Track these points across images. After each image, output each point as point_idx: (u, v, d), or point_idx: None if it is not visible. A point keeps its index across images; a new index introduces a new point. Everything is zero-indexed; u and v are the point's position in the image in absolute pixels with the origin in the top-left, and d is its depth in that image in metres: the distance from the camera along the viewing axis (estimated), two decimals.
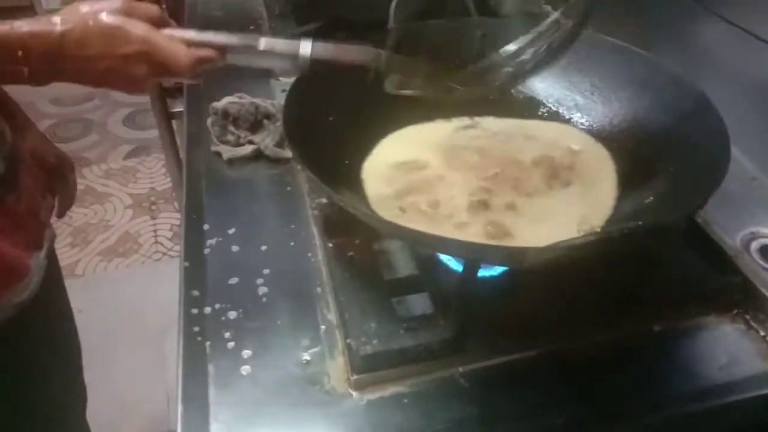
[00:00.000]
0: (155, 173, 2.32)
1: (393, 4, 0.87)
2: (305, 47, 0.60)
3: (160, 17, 0.58)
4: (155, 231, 2.07)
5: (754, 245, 0.68)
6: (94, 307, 1.81)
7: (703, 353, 0.57)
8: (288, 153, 0.82)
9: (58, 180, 0.88)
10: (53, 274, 0.89)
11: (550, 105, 0.79)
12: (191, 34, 0.59)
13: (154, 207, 2.16)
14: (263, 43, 0.60)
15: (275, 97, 0.93)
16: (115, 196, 2.21)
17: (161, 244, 2.02)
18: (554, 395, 0.54)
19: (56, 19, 0.54)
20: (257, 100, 0.86)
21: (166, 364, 1.62)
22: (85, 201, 2.18)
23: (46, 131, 2.42)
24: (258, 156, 0.82)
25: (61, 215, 0.90)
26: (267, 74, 1.02)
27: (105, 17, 0.55)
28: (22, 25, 0.54)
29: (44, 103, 2.71)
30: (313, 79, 0.70)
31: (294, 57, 0.60)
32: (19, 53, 0.53)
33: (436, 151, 0.74)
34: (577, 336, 0.58)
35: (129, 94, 0.64)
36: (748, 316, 0.60)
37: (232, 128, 0.83)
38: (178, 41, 0.57)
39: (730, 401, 0.53)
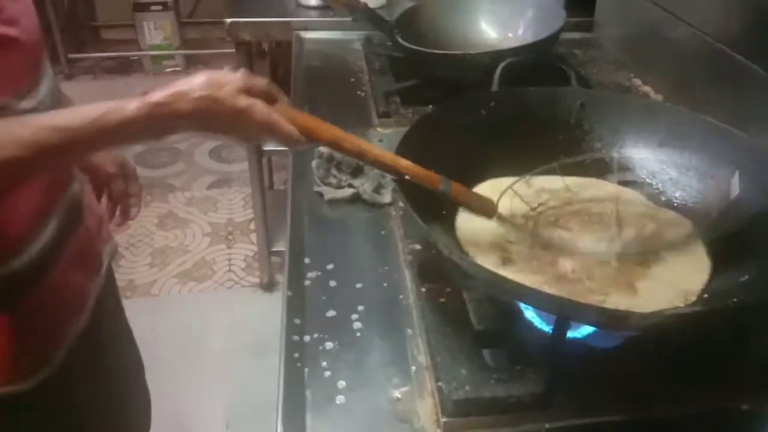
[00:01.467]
0: (234, 205, 2.42)
1: (499, 69, 0.92)
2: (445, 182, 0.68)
3: (273, 92, 0.64)
4: (230, 260, 2.15)
5: None
6: (165, 327, 1.90)
7: None
8: (384, 198, 0.87)
9: (118, 187, 0.92)
10: (110, 291, 0.94)
11: (644, 177, 0.80)
12: (307, 121, 0.65)
13: (230, 237, 2.26)
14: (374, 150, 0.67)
15: (373, 143, 0.99)
16: (195, 223, 2.32)
17: (234, 272, 2.10)
18: None
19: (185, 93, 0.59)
20: None
21: (229, 388, 1.67)
22: (167, 225, 2.30)
23: (136, 157, 2.58)
24: (356, 199, 0.87)
25: (121, 223, 0.94)
26: (367, 123, 1.08)
27: (230, 101, 0.59)
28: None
29: None
30: (422, 131, 0.76)
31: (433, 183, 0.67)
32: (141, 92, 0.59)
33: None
34: (665, 405, 0.58)
35: (245, 137, 0.70)
36: None
37: (334, 171, 0.89)
38: (290, 122, 0.62)
39: None
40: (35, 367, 0.74)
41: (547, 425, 0.56)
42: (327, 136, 0.66)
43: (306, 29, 1.45)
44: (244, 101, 0.59)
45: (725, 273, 0.67)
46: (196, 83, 0.59)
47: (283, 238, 2.09)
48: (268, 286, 2.03)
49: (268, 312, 1.79)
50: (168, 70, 3.41)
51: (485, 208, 0.71)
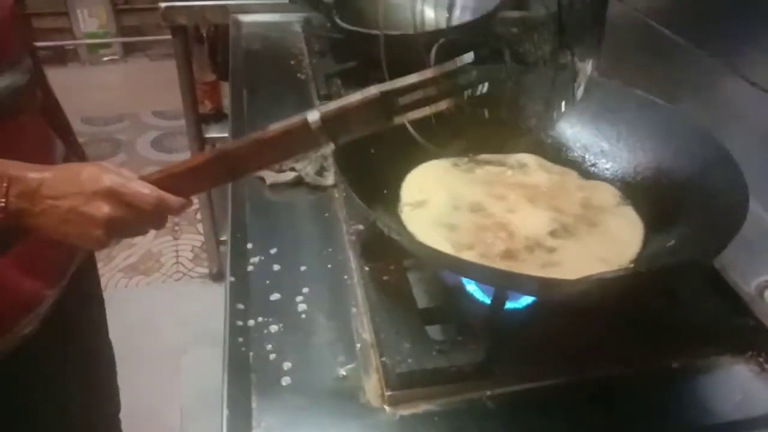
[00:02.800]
0: None
1: (434, 49, 0.92)
2: (313, 115, 0.56)
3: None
4: (177, 251, 2.12)
5: None
6: (114, 322, 1.85)
7: (718, 391, 0.60)
8: (326, 181, 0.87)
9: None
10: (83, 289, 0.92)
11: (576, 150, 0.83)
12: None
13: (176, 228, 2.21)
14: (271, 127, 0.57)
15: None
16: None
17: (182, 264, 2.07)
18: (575, 422, 0.57)
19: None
20: None
21: (181, 380, 1.65)
22: None
23: None
24: (298, 183, 0.87)
25: None
26: (308, 105, 1.08)
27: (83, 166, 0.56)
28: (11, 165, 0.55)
29: (76, 121, 2.79)
30: None
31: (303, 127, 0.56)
32: (4, 185, 0.54)
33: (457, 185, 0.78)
34: (600, 367, 0.61)
35: (83, 245, 0.59)
36: (761, 359, 0.63)
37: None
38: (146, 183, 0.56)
39: None
40: None
41: (488, 392, 0.58)
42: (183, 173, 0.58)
43: (243, 12, 1.43)
44: (106, 211, 0.54)
45: (655, 238, 0.70)
46: (62, 190, 0.54)
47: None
48: (218, 276, 2.01)
49: (219, 302, 1.77)
50: (105, 59, 3.30)
51: (375, 115, 0.58)
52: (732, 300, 0.67)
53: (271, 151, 0.58)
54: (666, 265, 0.60)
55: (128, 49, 3.35)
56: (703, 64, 0.94)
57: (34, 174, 0.55)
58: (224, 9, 1.43)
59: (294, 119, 0.56)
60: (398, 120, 0.58)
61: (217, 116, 1.76)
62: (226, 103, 1.83)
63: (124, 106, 2.94)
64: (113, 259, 2.06)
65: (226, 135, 1.77)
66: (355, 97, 0.56)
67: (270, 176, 0.86)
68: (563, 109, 0.84)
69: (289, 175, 0.86)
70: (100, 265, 1.99)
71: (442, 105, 0.58)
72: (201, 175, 0.58)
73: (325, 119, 0.56)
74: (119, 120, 2.85)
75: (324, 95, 1.09)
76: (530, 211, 0.74)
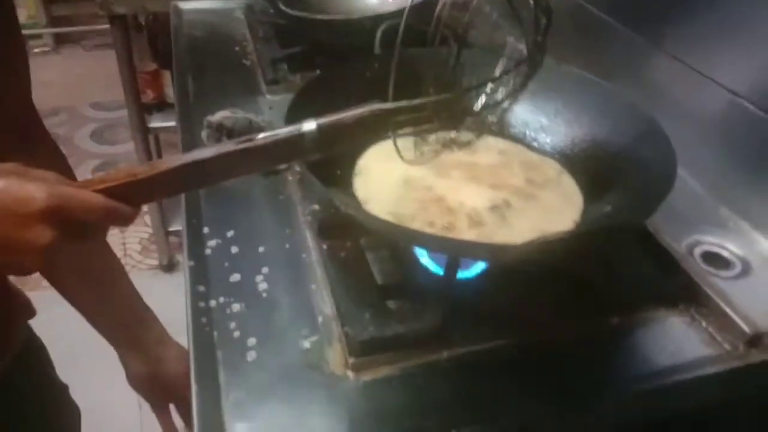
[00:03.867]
0: None
1: (379, 32, 0.95)
2: (309, 125, 0.54)
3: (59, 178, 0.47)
4: (124, 244, 2.08)
5: (697, 251, 0.78)
6: (63, 319, 1.81)
7: (655, 342, 0.66)
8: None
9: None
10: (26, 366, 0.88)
11: (518, 126, 0.87)
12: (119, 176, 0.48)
13: None
14: (260, 136, 0.53)
15: (263, 113, 1.00)
16: None
17: (131, 256, 2.04)
18: (526, 379, 0.61)
19: None
20: (250, 115, 0.92)
21: None
22: None
23: None
24: None
25: None
26: (255, 91, 1.08)
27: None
28: None
29: None
30: (309, 97, 0.78)
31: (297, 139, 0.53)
32: None
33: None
34: (546, 327, 0.65)
35: (19, 274, 0.47)
36: (692, 310, 0.69)
37: (226, 140, 0.89)
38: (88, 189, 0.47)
39: (678, 380, 0.61)
40: None
41: (445, 354, 0.61)
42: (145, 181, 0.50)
43: (186, 4, 1.41)
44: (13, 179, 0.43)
45: (593, 207, 0.75)
46: None
47: (179, 217, 2.05)
48: (168, 267, 1.99)
49: (171, 293, 1.75)
50: (36, 50, 3.18)
51: (371, 129, 0.59)
52: (665, 259, 0.73)
53: (255, 161, 0.53)
54: (603, 225, 0.65)
55: (60, 41, 3.24)
56: (633, 42, 1.00)
57: None
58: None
59: (286, 130, 0.53)
60: (389, 136, 0.59)
61: (161, 105, 1.74)
62: (169, 91, 1.81)
63: (59, 99, 2.85)
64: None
65: (170, 124, 1.76)
66: (353, 112, 0.55)
67: None
68: (512, 95, 0.88)
69: None
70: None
71: (435, 128, 0.60)
72: (166, 183, 0.50)
73: (321, 131, 0.53)
74: (55, 114, 2.77)
75: (271, 80, 1.10)
76: (473, 188, 0.77)
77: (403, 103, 0.58)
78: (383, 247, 0.72)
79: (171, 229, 1.93)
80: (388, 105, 0.57)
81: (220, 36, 1.30)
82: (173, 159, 0.50)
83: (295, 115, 0.70)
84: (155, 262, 1.98)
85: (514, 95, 0.71)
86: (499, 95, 0.78)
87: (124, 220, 0.49)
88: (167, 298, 1.79)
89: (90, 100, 2.80)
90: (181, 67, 1.17)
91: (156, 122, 1.71)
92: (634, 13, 1.02)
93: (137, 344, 0.85)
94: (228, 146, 0.52)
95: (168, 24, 1.39)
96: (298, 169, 0.87)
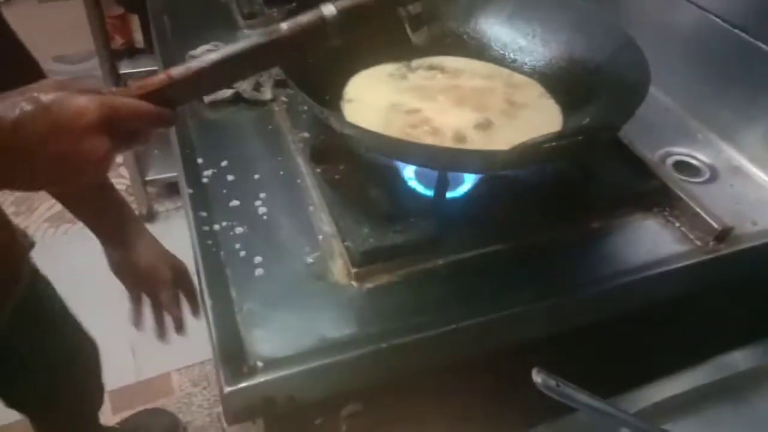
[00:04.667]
0: None
1: None
2: (329, 8, 0.54)
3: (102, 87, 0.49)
4: None
5: (669, 160, 0.83)
6: (47, 272, 1.82)
7: (633, 241, 0.71)
8: (265, 95, 0.90)
9: (170, 295, 0.90)
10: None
11: (497, 48, 0.89)
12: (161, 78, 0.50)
13: None
14: (283, 25, 0.53)
15: None
16: None
17: None
18: (516, 278, 0.66)
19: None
20: None
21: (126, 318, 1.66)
22: None
23: None
24: (237, 99, 0.89)
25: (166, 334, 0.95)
26: (232, 26, 1.08)
27: (45, 96, 0.43)
28: None
29: None
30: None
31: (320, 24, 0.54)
32: None
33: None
34: (533, 233, 0.70)
35: (90, 180, 0.46)
36: (666, 212, 0.74)
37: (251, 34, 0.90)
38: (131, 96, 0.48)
39: (655, 273, 0.67)
40: None
41: (440, 261, 0.66)
42: (185, 80, 0.51)
43: None
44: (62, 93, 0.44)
45: (573, 120, 0.79)
46: (43, 126, 0.42)
47: (156, 166, 2.04)
48: (148, 217, 1.99)
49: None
50: None
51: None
52: (639, 167, 0.77)
53: (282, 52, 0.54)
54: (582, 128, 0.69)
55: None
56: None
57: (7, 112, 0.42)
58: None
59: (307, 15, 0.53)
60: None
61: (130, 51, 1.71)
62: (138, 36, 1.78)
63: None
64: (35, 210, 2.00)
65: (141, 70, 1.73)
66: None
67: (207, 97, 0.88)
68: None
69: (227, 92, 0.88)
70: (21, 218, 1.95)
71: None
72: (201, 81, 0.51)
73: (342, 14, 0.54)
74: None
75: (248, 14, 1.09)
76: (457, 110, 0.80)
77: None
78: (374, 170, 0.75)
79: (148, 178, 1.93)
80: None
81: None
82: (205, 58, 0.51)
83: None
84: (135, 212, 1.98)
85: None
86: None
87: (168, 123, 0.50)
88: None
89: (52, 53, 2.71)
90: (154, 7, 1.16)
91: (126, 68, 1.68)
92: None
93: (120, 237, 0.88)
94: (258, 39, 0.52)
95: None
96: (285, 99, 0.89)
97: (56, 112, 0.42)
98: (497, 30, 0.90)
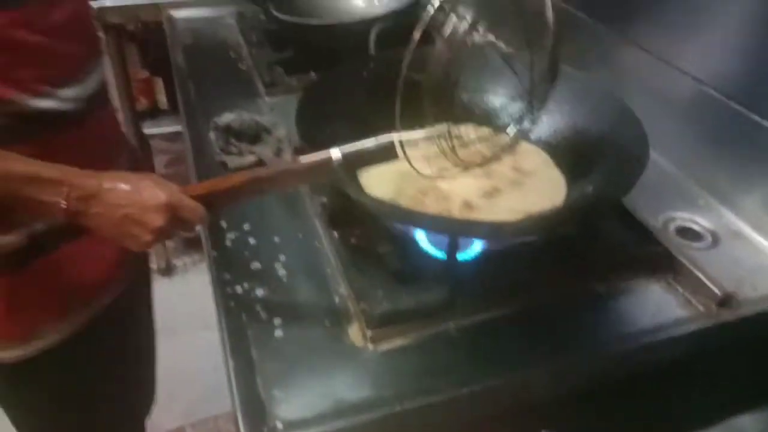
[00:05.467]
0: None
1: (372, 35, 1.01)
2: (336, 153, 0.68)
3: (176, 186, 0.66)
4: None
5: (672, 225, 0.86)
6: None
7: (638, 305, 0.73)
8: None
9: None
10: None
11: (504, 117, 0.94)
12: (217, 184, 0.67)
13: None
14: (300, 159, 0.68)
15: (265, 114, 1.06)
16: None
17: None
18: (524, 340, 0.68)
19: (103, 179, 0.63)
20: (255, 117, 0.98)
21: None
22: None
23: None
24: (259, 164, 0.94)
25: None
26: (254, 94, 1.15)
27: (140, 177, 0.64)
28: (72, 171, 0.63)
29: None
30: (312, 100, 0.84)
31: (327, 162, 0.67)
32: (65, 190, 0.61)
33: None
34: (540, 296, 0.73)
35: (128, 245, 0.65)
36: (669, 278, 0.77)
37: (234, 140, 0.95)
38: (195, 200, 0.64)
39: (659, 338, 0.69)
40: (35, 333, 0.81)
41: (452, 324, 0.69)
42: (225, 190, 0.68)
43: (177, 8, 1.46)
44: (159, 223, 0.62)
45: (576, 189, 0.82)
46: (120, 199, 0.62)
47: None
48: (167, 271, 2.04)
49: (172, 296, 1.81)
50: None
51: (386, 153, 0.72)
52: (643, 232, 0.81)
53: (296, 178, 0.71)
54: (586, 202, 0.73)
55: None
56: (604, 35, 1.09)
57: (93, 181, 0.62)
58: (156, 6, 1.46)
59: (318, 156, 0.67)
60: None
61: (154, 112, 1.78)
62: (161, 98, 1.86)
63: None
64: None
65: (163, 130, 1.81)
66: (371, 142, 0.69)
67: (232, 160, 0.93)
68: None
69: (250, 158, 0.94)
70: None
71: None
72: (236, 193, 0.67)
73: (345, 158, 0.67)
74: None
75: (269, 82, 1.16)
76: (465, 177, 0.84)
77: (417, 133, 0.74)
78: (388, 233, 0.78)
79: None
80: (403, 136, 0.71)
81: (214, 42, 1.36)
82: (239, 174, 0.67)
83: (303, 120, 0.77)
84: (153, 267, 2.02)
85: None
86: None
87: (205, 223, 0.67)
88: (168, 301, 1.85)
89: None
90: (180, 73, 1.23)
91: (150, 128, 1.75)
92: (603, 9, 1.10)
93: None
94: (280, 165, 0.69)
95: (158, 32, 1.44)
96: None
97: (141, 189, 0.63)
98: (504, 101, 0.95)
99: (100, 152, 0.84)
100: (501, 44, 0.81)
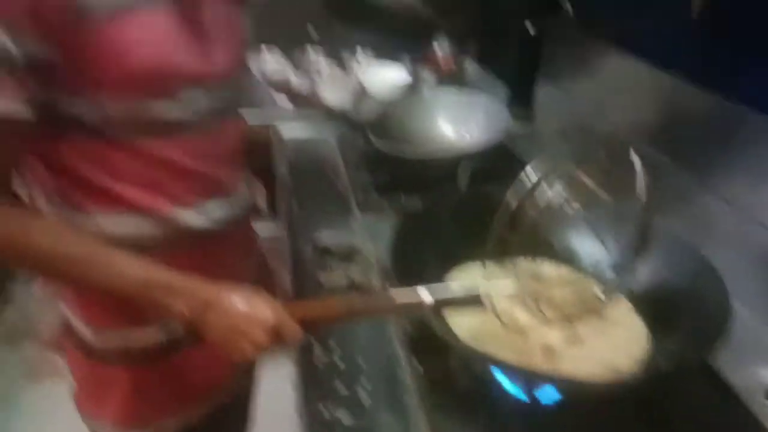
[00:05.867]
0: None
1: (463, 172, 1.09)
2: (426, 295, 0.72)
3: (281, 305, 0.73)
4: None
5: (759, 386, 0.84)
6: None
7: None
8: (374, 284, 1.01)
9: None
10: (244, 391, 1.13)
11: (588, 260, 0.97)
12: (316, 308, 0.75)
13: None
14: (392, 293, 0.74)
15: (357, 233, 1.14)
16: None
17: None
18: None
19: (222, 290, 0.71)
20: (348, 238, 1.07)
21: None
22: None
23: None
24: (350, 285, 1.01)
25: None
26: (348, 212, 1.23)
27: (255, 295, 0.72)
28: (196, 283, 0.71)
29: None
30: (406, 232, 0.91)
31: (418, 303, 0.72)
32: (187, 298, 0.70)
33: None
34: None
35: (237, 358, 0.71)
36: None
37: (329, 260, 1.03)
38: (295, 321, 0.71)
39: None
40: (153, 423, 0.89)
41: None
42: (322, 315, 0.75)
43: (283, 124, 1.61)
44: (264, 340, 0.69)
45: (657, 342, 0.83)
46: (233, 311, 0.69)
47: None
48: None
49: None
50: None
51: (473, 302, 0.77)
52: (727, 394, 0.80)
53: (387, 311, 0.79)
54: (668, 361, 0.74)
55: None
56: (686, 183, 1.11)
57: (213, 292, 0.71)
58: (266, 126, 1.61)
59: (410, 294, 0.72)
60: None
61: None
62: (260, 201, 2.00)
63: None
64: None
65: (265, 235, 1.92)
66: (460, 289, 0.74)
67: (327, 279, 1.01)
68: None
69: (343, 278, 1.01)
70: None
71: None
72: (332, 318, 0.75)
73: (436, 302, 0.72)
74: None
75: (363, 204, 1.25)
76: (547, 314, 0.87)
77: (506, 287, 0.81)
78: (471, 371, 0.82)
79: None
80: (492, 288, 0.76)
81: (316, 159, 1.48)
82: (338, 303, 0.74)
83: (396, 252, 0.84)
84: None
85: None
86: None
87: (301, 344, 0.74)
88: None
89: None
90: (284, 187, 1.34)
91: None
92: (687, 156, 1.13)
93: None
94: (374, 298, 0.76)
95: (263, 146, 1.58)
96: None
97: (253, 305, 0.70)
98: (588, 245, 0.98)
99: (236, 261, 0.93)
100: (590, 213, 0.85)
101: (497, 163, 1.30)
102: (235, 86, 0.86)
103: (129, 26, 0.67)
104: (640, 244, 0.79)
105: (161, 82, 0.72)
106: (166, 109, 0.73)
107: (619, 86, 1.35)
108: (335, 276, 1.01)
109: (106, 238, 0.73)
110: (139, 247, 0.74)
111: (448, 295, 0.72)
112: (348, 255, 1.04)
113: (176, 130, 0.76)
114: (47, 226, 0.72)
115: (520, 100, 1.67)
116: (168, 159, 0.77)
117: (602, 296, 0.88)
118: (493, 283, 0.75)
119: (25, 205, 0.77)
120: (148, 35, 0.69)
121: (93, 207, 0.76)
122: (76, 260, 0.70)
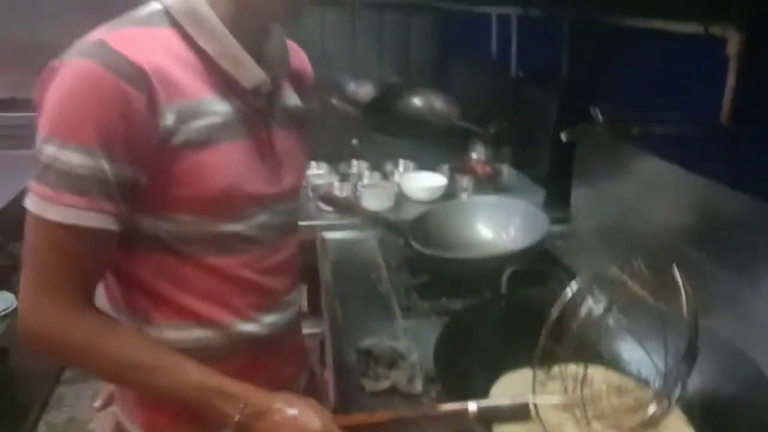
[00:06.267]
0: None
1: (504, 277, 1.11)
2: (473, 406, 0.76)
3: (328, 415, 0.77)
4: None
5: None
6: None
7: None
8: (416, 389, 1.01)
9: None
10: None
11: (634, 366, 0.96)
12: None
13: None
14: (440, 406, 0.78)
15: (399, 336, 1.15)
16: None
17: None
18: None
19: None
20: (391, 343, 1.08)
21: None
22: None
23: None
24: (393, 390, 1.01)
25: None
26: (390, 316, 1.25)
27: (305, 404, 0.76)
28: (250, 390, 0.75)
29: None
30: (449, 337, 0.93)
31: (464, 413, 0.75)
32: (241, 405, 0.73)
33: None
34: None
35: None
36: None
37: (372, 365, 1.05)
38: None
39: None
40: None
41: None
42: (369, 426, 0.78)
43: (328, 230, 1.67)
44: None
45: None
46: (283, 421, 0.73)
47: None
48: None
49: None
50: None
51: (520, 413, 0.80)
52: None
53: (433, 424, 0.78)
54: None
55: None
56: (734, 283, 1.10)
57: (266, 401, 0.74)
58: (311, 228, 1.68)
59: (457, 407, 0.75)
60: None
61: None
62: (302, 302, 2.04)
63: None
64: None
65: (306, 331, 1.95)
66: (506, 399, 0.78)
67: (370, 385, 1.01)
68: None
69: (385, 384, 1.01)
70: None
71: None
72: (378, 427, 0.76)
73: (481, 412, 0.75)
74: None
75: (405, 307, 1.27)
76: (595, 428, 0.86)
77: (553, 398, 0.81)
78: None
79: None
80: (540, 398, 0.78)
81: (358, 262, 1.52)
82: (384, 413, 0.76)
83: (442, 362, 0.86)
84: None
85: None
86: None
87: None
88: None
89: None
90: (328, 290, 1.38)
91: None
92: (731, 258, 1.13)
93: None
94: (421, 410, 0.79)
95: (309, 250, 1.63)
96: (434, 394, 1.00)
97: (303, 415, 0.74)
98: (637, 354, 0.96)
99: (288, 367, 0.96)
100: (635, 321, 0.85)
101: (537, 264, 1.32)
102: (296, 202, 0.92)
103: (209, 155, 0.74)
104: (688, 355, 0.78)
105: (233, 205, 0.78)
106: (235, 228, 0.80)
107: (652, 187, 1.38)
108: (378, 380, 1.02)
109: (169, 347, 0.77)
110: (198, 355, 0.77)
111: (494, 405, 0.73)
112: (391, 359, 1.06)
113: (242, 246, 0.81)
114: (123, 334, 0.76)
115: (557, 202, 1.71)
116: (233, 273, 0.82)
117: (655, 408, 0.86)
118: (541, 394, 0.75)
119: (106, 313, 0.81)
120: (225, 163, 0.76)
121: (159, 317, 0.81)
122: (144, 367, 0.74)
